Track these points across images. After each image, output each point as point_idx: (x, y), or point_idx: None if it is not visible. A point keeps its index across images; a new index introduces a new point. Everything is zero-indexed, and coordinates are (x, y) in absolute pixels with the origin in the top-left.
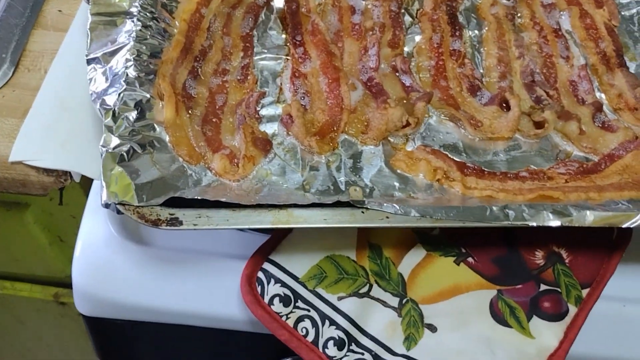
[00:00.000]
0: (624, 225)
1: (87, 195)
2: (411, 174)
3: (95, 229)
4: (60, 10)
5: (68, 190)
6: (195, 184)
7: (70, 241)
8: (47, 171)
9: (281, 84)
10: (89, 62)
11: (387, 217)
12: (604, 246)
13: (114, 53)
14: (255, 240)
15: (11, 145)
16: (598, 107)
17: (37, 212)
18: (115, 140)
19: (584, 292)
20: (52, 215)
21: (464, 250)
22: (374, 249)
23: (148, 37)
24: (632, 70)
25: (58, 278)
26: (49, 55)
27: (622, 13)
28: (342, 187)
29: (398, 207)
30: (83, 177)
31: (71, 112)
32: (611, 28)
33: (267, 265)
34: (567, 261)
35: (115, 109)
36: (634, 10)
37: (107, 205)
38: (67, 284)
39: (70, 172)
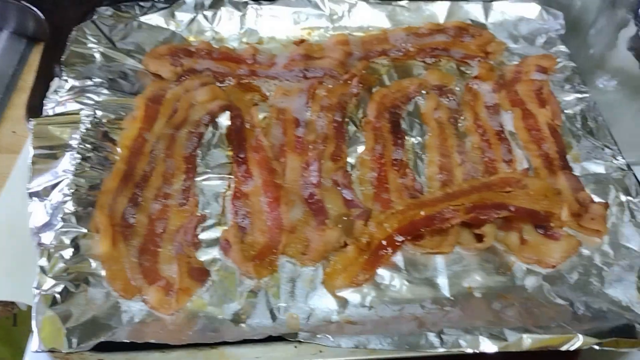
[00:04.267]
0: (563, 348)
1: None
2: None
3: None
4: (14, 132)
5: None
6: (129, 321)
7: None
8: None
9: (223, 205)
10: (30, 195)
11: (321, 351)
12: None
13: (54, 187)
14: None
15: None
16: None
17: None
18: (49, 282)
19: None
20: (9, 331)
21: None
22: None
23: (87, 169)
24: (576, 172)
25: None
26: (1, 179)
27: (566, 111)
28: (280, 314)
29: (332, 339)
30: None
31: (19, 239)
32: (554, 128)
33: None
34: None
35: (51, 248)
36: (578, 108)
37: (38, 352)
38: None
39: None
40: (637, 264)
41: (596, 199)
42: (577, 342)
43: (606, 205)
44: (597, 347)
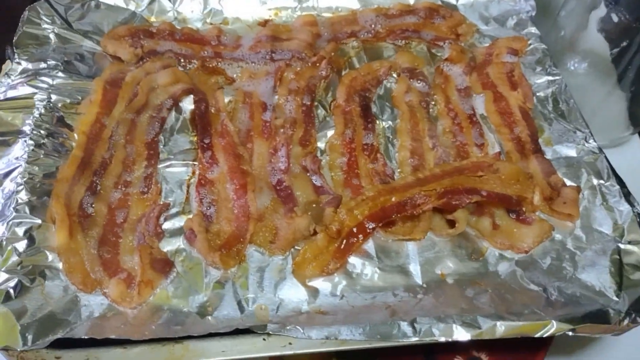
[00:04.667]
0: (537, 335)
1: None
2: None
3: None
4: None
5: None
6: (89, 316)
7: None
8: None
9: (188, 192)
10: None
11: (290, 343)
12: (527, 345)
13: (6, 175)
14: None
15: None
16: None
17: None
18: (2, 276)
19: None
20: None
21: None
22: None
23: (42, 156)
24: (548, 155)
25: None
26: None
27: (537, 94)
28: (248, 305)
29: (302, 330)
30: None
31: None
32: (526, 111)
33: None
34: None
35: (3, 240)
36: (549, 91)
37: None
38: None
39: None
40: (610, 247)
41: (568, 182)
42: (551, 328)
43: (578, 189)
44: (570, 333)
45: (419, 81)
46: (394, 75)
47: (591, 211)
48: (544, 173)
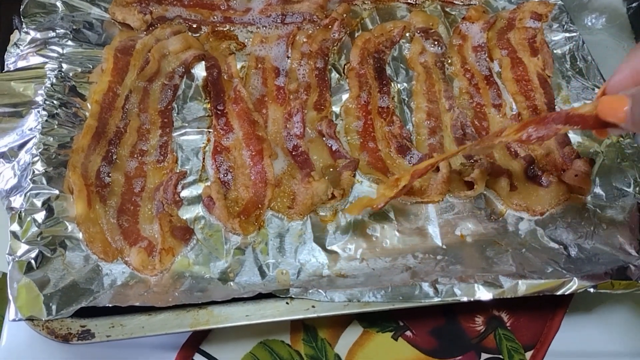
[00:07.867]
0: (558, 292)
1: None
2: None
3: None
4: None
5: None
6: (111, 284)
7: None
8: None
9: (204, 160)
10: None
11: (313, 307)
12: (547, 304)
13: (21, 147)
14: None
15: None
16: (530, 160)
17: None
18: (22, 247)
19: (528, 355)
20: None
21: (401, 324)
22: (308, 330)
23: (56, 126)
24: None
25: None
26: None
27: (555, 51)
28: (269, 271)
29: (324, 294)
30: None
31: None
32: (544, 78)
33: (198, 357)
34: (508, 325)
35: (22, 211)
36: (566, 48)
37: (15, 320)
38: None
39: None
40: (629, 204)
41: (586, 144)
42: (573, 285)
43: (591, 162)
44: (592, 290)
45: (434, 41)
46: (408, 35)
47: (611, 168)
48: (558, 143)
